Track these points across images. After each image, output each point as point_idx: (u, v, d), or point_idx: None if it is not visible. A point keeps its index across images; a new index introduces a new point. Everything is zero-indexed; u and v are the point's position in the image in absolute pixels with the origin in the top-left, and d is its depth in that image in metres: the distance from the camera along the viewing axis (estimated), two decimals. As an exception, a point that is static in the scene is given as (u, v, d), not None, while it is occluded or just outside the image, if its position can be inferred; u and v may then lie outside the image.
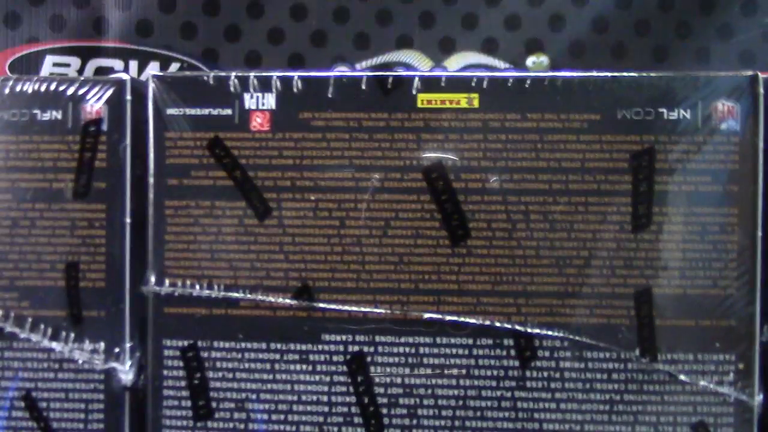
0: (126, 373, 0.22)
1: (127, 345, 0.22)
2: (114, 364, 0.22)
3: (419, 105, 0.21)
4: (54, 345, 0.22)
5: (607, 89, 0.21)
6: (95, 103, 0.22)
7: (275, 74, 0.21)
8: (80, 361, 0.22)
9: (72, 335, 0.22)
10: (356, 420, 0.21)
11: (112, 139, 0.22)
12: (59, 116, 0.22)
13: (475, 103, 0.21)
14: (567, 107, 0.21)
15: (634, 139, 0.21)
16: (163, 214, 0.22)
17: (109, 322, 0.22)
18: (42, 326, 0.22)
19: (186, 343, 0.22)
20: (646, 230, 0.21)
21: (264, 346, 0.21)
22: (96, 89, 0.22)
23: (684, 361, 0.21)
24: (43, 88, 0.22)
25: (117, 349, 0.22)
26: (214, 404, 0.21)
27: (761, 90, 0.20)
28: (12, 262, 0.22)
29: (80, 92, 0.22)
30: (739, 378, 0.21)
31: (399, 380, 0.21)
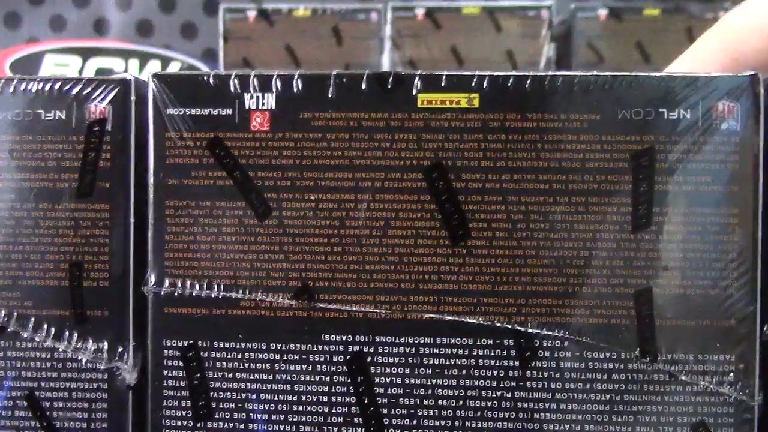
0: (129, 372, 0.22)
1: (131, 344, 0.22)
2: (117, 364, 0.22)
3: (419, 105, 0.21)
4: (57, 344, 0.22)
5: (607, 89, 0.21)
6: (99, 103, 0.22)
7: (275, 74, 0.21)
8: (83, 361, 0.22)
9: (75, 334, 0.22)
10: (356, 420, 0.21)
11: (117, 139, 0.22)
12: (63, 116, 0.22)
13: (476, 103, 0.21)
14: (567, 107, 0.21)
15: (634, 139, 0.21)
16: (163, 214, 0.22)
17: (113, 322, 0.22)
18: (45, 325, 0.22)
19: (186, 343, 0.22)
20: (646, 230, 0.21)
21: (264, 346, 0.21)
22: (100, 89, 0.22)
23: (684, 362, 0.21)
24: (47, 88, 0.22)
25: (120, 348, 0.22)
26: (214, 404, 0.21)
27: (761, 90, 0.20)
28: (15, 261, 0.22)
29: (84, 92, 0.22)
30: (739, 378, 0.21)
31: (399, 380, 0.21)
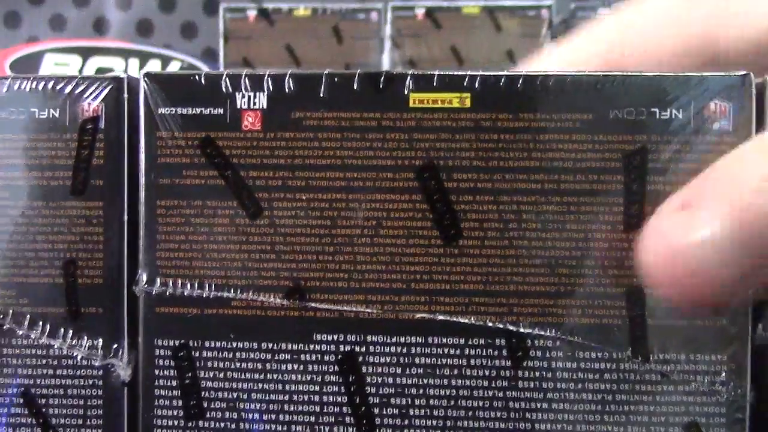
0: (124, 369, 0.22)
1: (125, 341, 0.22)
2: (112, 360, 0.22)
3: (411, 105, 0.21)
4: (52, 341, 0.22)
5: (599, 89, 0.21)
6: (92, 101, 0.22)
7: (267, 73, 0.21)
8: (78, 357, 0.22)
9: (70, 332, 0.22)
10: (348, 420, 0.21)
11: (110, 137, 0.22)
12: (56, 114, 0.22)
13: (467, 103, 0.21)
14: (559, 107, 0.21)
15: (626, 139, 0.21)
16: (155, 213, 0.22)
17: (107, 319, 0.22)
18: (40, 323, 0.22)
19: (177, 342, 0.22)
20: (639, 230, 0.21)
21: (255, 345, 0.21)
22: (93, 87, 0.22)
23: (676, 361, 0.21)
24: (40, 87, 0.22)
25: (115, 345, 0.22)
26: (205, 404, 0.22)
27: (753, 90, 0.20)
28: (10, 259, 0.22)
29: (77, 90, 0.22)
30: (731, 378, 0.21)
31: (391, 380, 0.21)
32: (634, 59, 0.23)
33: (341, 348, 0.21)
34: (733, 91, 0.20)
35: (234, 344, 0.21)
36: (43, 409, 0.22)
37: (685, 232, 0.17)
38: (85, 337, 0.22)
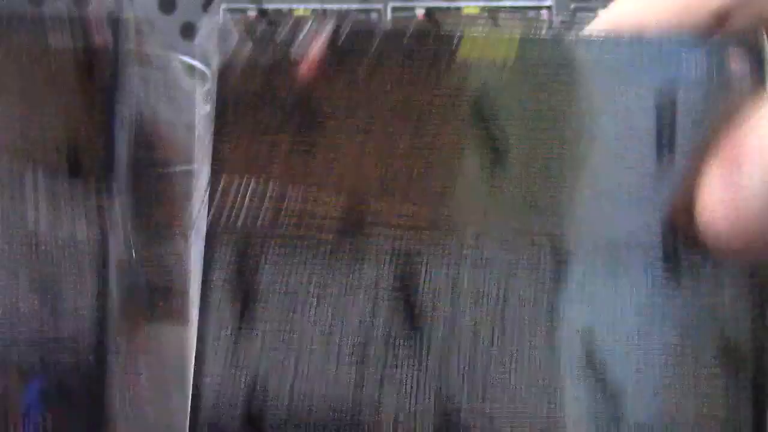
0: None
1: None
2: None
3: (459, 58, 0.23)
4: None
5: (632, 47, 0.23)
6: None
7: (324, 20, 0.23)
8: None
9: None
10: (398, 342, 0.22)
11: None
12: None
13: (513, 54, 0.23)
14: (596, 62, 0.23)
15: (658, 90, 0.23)
16: (220, 140, 0.23)
17: None
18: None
19: (234, 257, 0.23)
20: (670, 171, 0.22)
21: (311, 268, 0.22)
22: None
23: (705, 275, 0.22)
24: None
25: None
26: (261, 311, 0.23)
27: (766, 45, 0.22)
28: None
29: None
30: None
31: (441, 305, 0.22)
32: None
33: (393, 272, 0.22)
34: (754, 48, 0.22)
35: (289, 262, 0.22)
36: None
37: (739, 194, 0.20)
38: None
